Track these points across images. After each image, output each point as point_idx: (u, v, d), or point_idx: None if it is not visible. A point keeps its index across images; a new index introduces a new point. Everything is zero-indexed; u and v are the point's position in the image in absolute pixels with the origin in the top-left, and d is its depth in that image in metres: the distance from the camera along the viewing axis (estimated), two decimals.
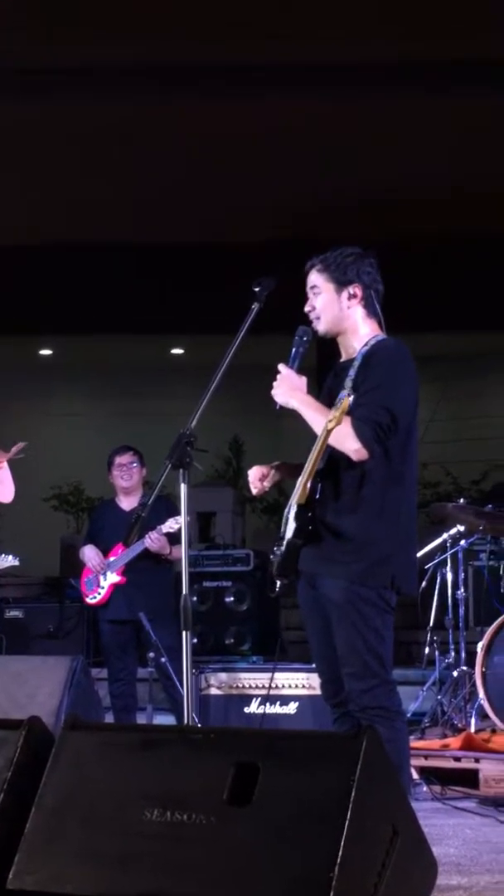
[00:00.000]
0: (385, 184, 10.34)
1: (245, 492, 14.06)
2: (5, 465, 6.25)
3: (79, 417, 15.57)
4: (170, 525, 6.73)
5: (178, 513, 6.11)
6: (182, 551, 4.16)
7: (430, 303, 11.59)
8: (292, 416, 4.09)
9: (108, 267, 12.01)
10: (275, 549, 4.12)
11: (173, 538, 6.78)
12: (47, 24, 8.32)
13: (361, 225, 9.95)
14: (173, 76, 8.95)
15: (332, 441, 3.91)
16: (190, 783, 2.77)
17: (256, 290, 4.14)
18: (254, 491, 4.28)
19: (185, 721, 4.13)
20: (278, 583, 4.13)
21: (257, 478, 4.25)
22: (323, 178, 10.42)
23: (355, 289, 4.15)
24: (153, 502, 4.53)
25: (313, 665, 4.30)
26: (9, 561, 6.95)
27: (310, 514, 3.98)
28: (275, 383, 4.08)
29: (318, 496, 3.99)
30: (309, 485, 3.96)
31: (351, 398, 3.82)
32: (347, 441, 3.91)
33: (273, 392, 4.08)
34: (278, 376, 4.08)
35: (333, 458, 3.97)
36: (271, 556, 4.14)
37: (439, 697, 7.17)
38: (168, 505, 6.70)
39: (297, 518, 4.00)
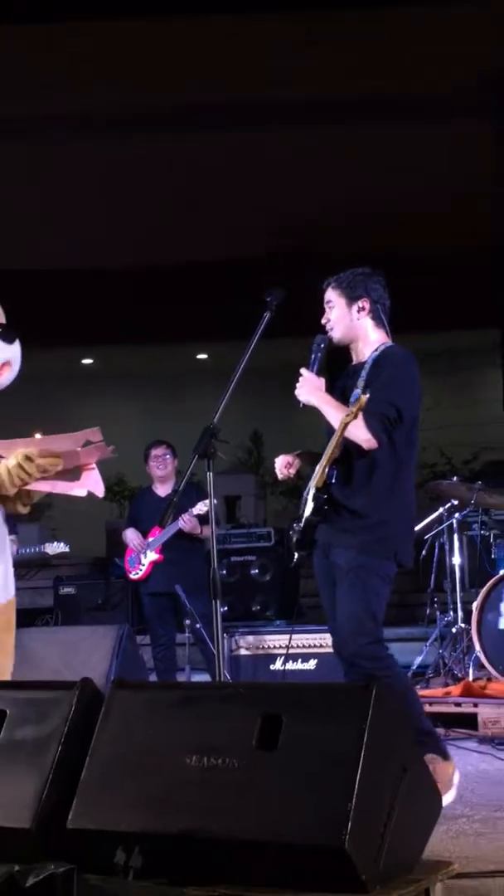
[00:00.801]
0: (377, 199, 10.34)
1: (266, 477, 14.06)
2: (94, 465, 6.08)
3: (118, 417, 15.57)
4: (199, 508, 6.74)
5: (206, 497, 6.15)
6: (210, 530, 4.18)
7: (424, 306, 11.58)
8: (304, 411, 4.14)
9: (140, 286, 12.05)
10: (294, 525, 4.17)
11: (203, 519, 6.78)
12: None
13: (354, 238, 9.98)
14: (182, 113, 9.00)
15: (346, 433, 3.96)
16: (223, 732, 2.77)
17: (267, 300, 4.17)
18: (280, 476, 4.31)
19: (218, 678, 4.15)
20: (296, 555, 4.18)
21: (284, 465, 4.27)
22: (330, 195, 10.42)
23: (364, 303, 4.20)
24: (184, 488, 4.53)
25: (328, 626, 4.31)
26: (60, 547, 7.06)
27: (325, 496, 4.03)
28: (298, 384, 4.13)
29: (333, 481, 4.03)
30: (326, 471, 4.00)
31: (366, 396, 3.85)
32: (359, 432, 3.96)
33: (296, 392, 4.13)
34: (301, 378, 4.13)
35: (347, 447, 4.02)
36: (290, 532, 4.19)
37: (441, 651, 7.15)
38: (197, 490, 6.70)
39: (314, 499, 4.04)
